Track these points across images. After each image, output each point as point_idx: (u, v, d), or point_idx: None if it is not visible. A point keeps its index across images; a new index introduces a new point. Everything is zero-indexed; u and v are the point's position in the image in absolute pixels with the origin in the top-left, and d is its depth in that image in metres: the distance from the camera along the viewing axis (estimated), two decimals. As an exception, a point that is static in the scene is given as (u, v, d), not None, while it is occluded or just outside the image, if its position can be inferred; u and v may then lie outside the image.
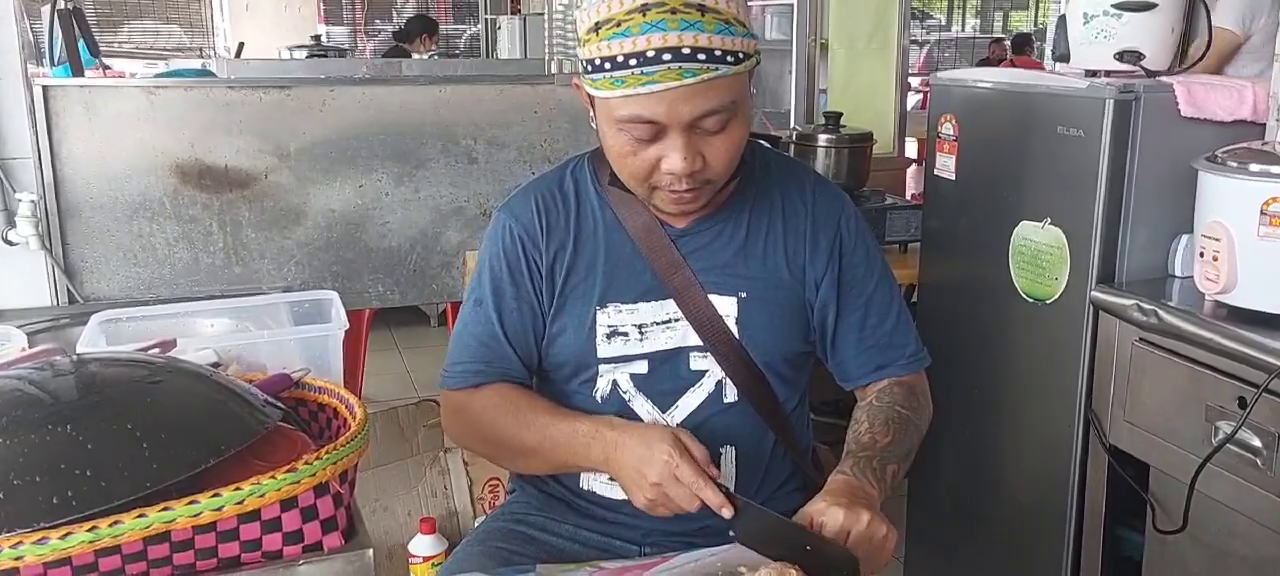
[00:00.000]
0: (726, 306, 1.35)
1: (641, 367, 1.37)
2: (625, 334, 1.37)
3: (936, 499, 2.52)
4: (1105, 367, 1.88)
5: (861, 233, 1.42)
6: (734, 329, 1.35)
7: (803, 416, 1.47)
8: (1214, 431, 1.63)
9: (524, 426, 1.34)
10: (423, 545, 2.38)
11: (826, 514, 1.17)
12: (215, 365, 1.40)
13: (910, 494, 2.67)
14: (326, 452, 1.06)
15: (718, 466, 1.35)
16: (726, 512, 1.19)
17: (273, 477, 1.02)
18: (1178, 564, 1.77)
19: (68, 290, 2.25)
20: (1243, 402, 1.57)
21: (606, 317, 1.37)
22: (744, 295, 1.36)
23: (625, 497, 1.33)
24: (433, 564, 2.37)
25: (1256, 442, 1.55)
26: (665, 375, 1.36)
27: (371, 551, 1.09)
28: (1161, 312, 1.71)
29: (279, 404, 1.19)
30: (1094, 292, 1.88)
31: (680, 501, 1.20)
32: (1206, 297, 1.72)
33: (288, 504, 1.05)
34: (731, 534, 1.20)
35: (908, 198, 3.35)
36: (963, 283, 2.33)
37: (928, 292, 2.49)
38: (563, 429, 1.32)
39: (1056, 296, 1.98)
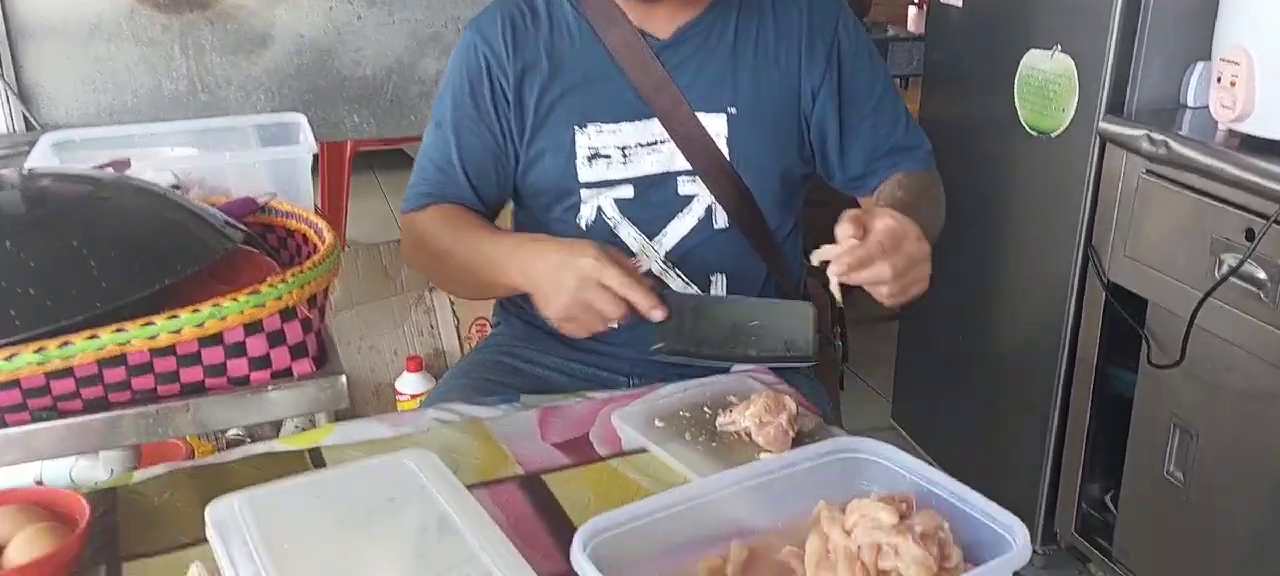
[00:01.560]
0: (715, 125, 1.28)
1: (627, 192, 1.32)
2: (608, 157, 1.30)
3: (927, 337, 2.51)
4: (1108, 202, 1.83)
5: (861, 37, 1.34)
6: (724, 149, 1.29)
7: (795, 247, 1.42)
8: (1218, 264, 1.59)
9: (457, 243, 1.29)
10: (409, 383, 2.37)
11: (873, 214, 1.10)
12: (175, 188, 1.33)
13: (901, 332, 2.66)
14: (292, 275, 1.01)
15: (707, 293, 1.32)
16: (657, 315, 1.14)
17: (234, 300, 0.97)
18: (1169, 399, 1.77)
19: (24, 116, 2.16)
20: (1250, 234, 1.53)
21: (587, 139, 1.30)
22: (733, 111, 1.29)
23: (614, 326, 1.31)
24: (420, 401, 2.36)
25: (1261, 275, 1.52)
26: (652, 200, 1.30)
27: (344, 377, 1.05)
28: (1172, 143, 1.65)
29: (242, 226, 1.13)
30: (1102, 124, 1.81)
31: (602, 307, 1.13)
32: (1219, 127, 1.66)
33: (252, 328, 1.00)
34: (654, 349, 1.15)
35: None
36: (965, 117, 2.26)
37: (928, 128, 2.40)
38: (490, 245, 1.27)
39: (1062, 129, 1.91)
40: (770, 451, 1.04)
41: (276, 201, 1.27)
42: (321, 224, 1.18)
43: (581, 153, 1.31)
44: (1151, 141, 1.69)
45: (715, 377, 1.25)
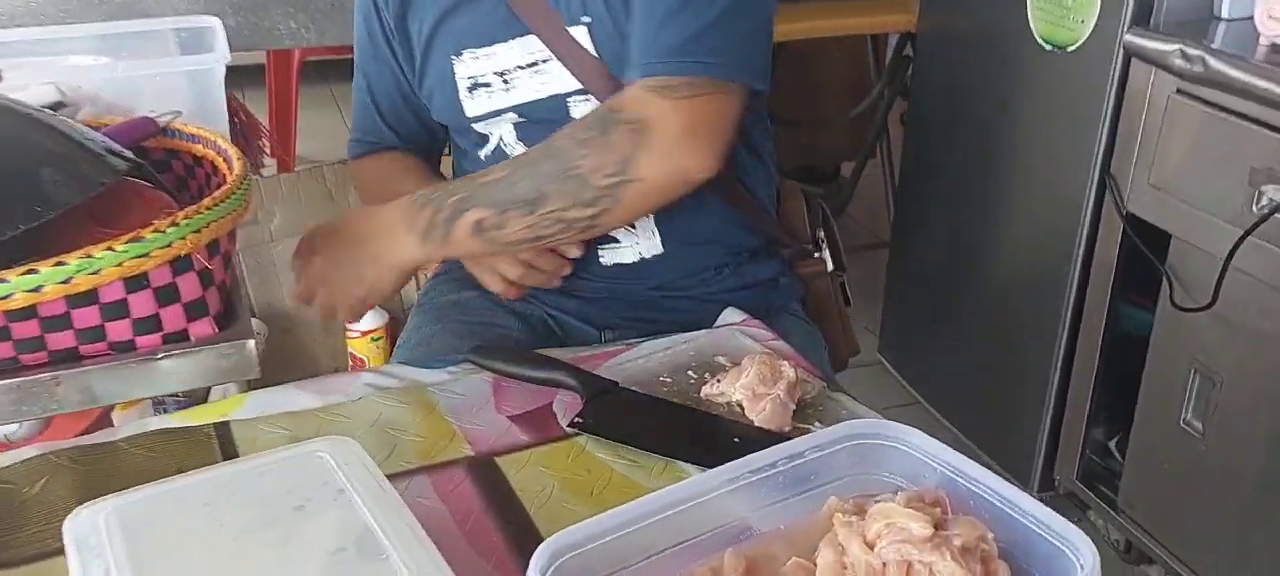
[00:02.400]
0: (582, 38, 1.10)
1: (514, 122, 1.16)
2: (488, 85, 1.15)
3: (920, 266, 2.36)
4: (1131, 125, 1.67)
5: None
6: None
7: (745, 156, 1.21)
8: (1257, 197, 1.44)
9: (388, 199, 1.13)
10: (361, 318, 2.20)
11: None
12: (55, 105, 1.13)
13: (891, 260, 2.51)
14: (185, 217, 0.83)
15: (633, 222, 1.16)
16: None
17: (110, 250, 0.79)
18: (1191, 342, 1.63)
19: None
20: (1296, 164, 1.38)
21: (464, 68, 1.15)
22: (588, 20, 1.09)
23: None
24: (372, 338, 2.19)
25: (1308, 210, 1.37)
26: (545, 129, 1.10)
27: (253, 342, 0.87)
28: (1208, 58, 1.48)
29: (130, 155, 0.94)
30: (1126, 37, 1.64)
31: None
32: (1262, 40, 1.49)
33: (135, 283, 0.82)
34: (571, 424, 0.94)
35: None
36: (969, 30, 2.09)
37: (927, 43, 2.25)
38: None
39: (1080, 42, 1.74)
40: (767, 430, 0.88)
41: (180, 122, 1.08)
42: (231, 150, 0.99)
43: (462, 84, 1.16)
44: (1185, 56, 1.52)
45: (700, 333, 1.09)
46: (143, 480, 0.72)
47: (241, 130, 2.26)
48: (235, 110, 2.25)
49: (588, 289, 1.20)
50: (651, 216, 1.16)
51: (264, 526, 0.66)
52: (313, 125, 3.83)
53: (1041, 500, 2.02)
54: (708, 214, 1.17)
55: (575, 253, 1.13)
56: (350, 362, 2.19)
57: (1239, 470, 1.59)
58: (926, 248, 2.31)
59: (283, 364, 2.20)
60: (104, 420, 1.49)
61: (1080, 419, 1.91)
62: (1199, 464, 1.65)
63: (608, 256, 1.18)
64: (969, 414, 2.21)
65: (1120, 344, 1.83)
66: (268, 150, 2.60)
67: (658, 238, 1.17)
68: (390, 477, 0.84)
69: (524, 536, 0.79)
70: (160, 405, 1.52)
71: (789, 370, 0.91)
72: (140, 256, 0.80)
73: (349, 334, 2.20)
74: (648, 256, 1.17)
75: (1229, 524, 1.62)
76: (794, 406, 0.90)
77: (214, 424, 0.90)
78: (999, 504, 0.71)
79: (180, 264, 0.84)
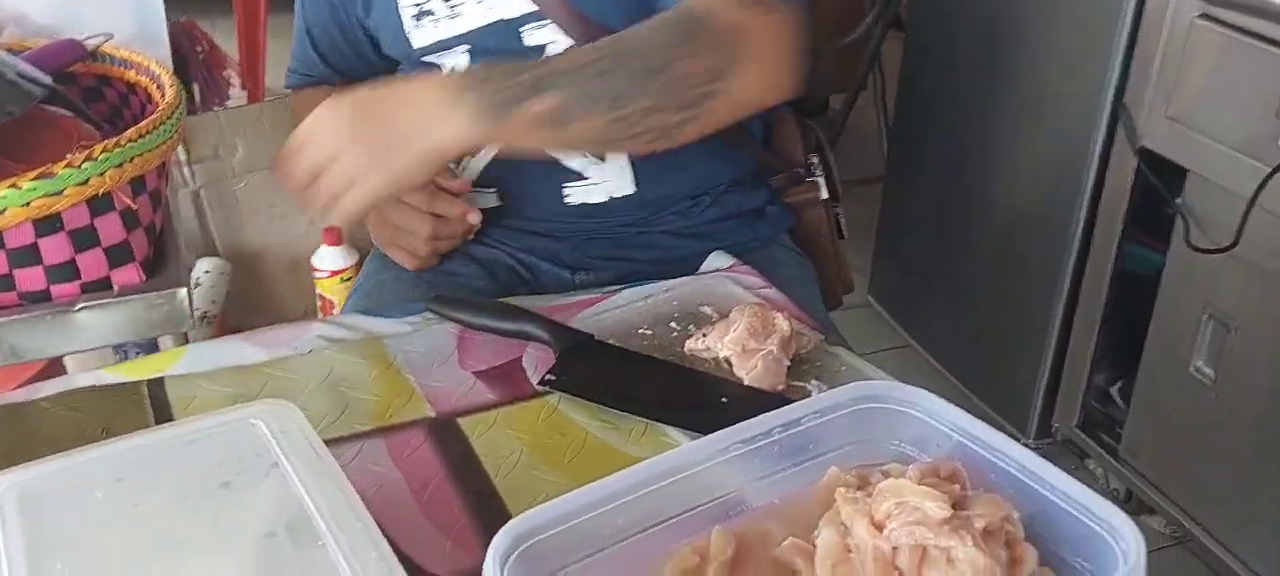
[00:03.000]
0: None
1: (464, 54, 1.06)
2: (432, 12, 1.05)
3: (915, 200, 2.27)
4: (1147, 52, 1.58)
5: None
6: None
7: None
8: (1284, 130, 1.35)
9: None
10: (328, 258, 2.10)
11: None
12: (-31, 24, 1.03)
13: (884, 194, 2.42)
14: (103, 152, 0.73)
15: (600, 157, 1.08)
16: (472, 218, 1.03)
17: (14, 188, 0.70)
18: (1204, 285, 1.55)
19: None
20: (1328, 96, 1.29)
21: None
22: None
23: (498, 205, 1.12)
24: (341, 278, 2.09)
25: (1338, 146, 1.29)
26: (498, 59, 1.01)
27: (185, 291, 0.78)
28: (1235, -20, 1.39)
29: (46, 80, 0.84)
30: (1145, -45, 1.54)
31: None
32: (1293, -39, 1.40)
33: (47, 225, 0.73)
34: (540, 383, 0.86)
35: None
36: (971, -53, 1.98)
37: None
38: None
39: (1093, -39, 1.64)
40: (758, 389, 0.80)
41: (112, 46, 0.98)
42: (164, 75, 0.90)
43: (406, 13, 1.06)
44: (1210, -22, 1.42)
45: (685, 281, 1.00)
46: (61, 446, 0.64)
47: (204, 61, 2.15)
48: (198, 39, 2.13)
49: (555, 230, 1.11)
50: (630, 163, 1.07)
51: (184, 506, 0.58)
52: (283, 55, 3.70)
53: (1038, 450, 1.96)
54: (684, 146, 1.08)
55: (475, 218, 1.06)
56: (319, 305, 2.10)
57: (1250, 420, 1.52)
58: (922, 183, 2.22)
59: (248, 307, 2.11)
60: (55, 370, 1.39)
61: (1082, 364, 1.85)
62: (1207, 413, 1.59)
63: (574, 195, 1.09)
64: (963, 357, 2.15)
65: (1127, 285, 1.76)
66: (235, 82, 2.49)
67: (629, 174, 1.08)
68: (341, 441, 0.77)
69: (486, 507, 0.71)
70: (121, 351, 1.43)
71: (783, 323, 0.83)
72: (51, 195, 0.71)
73: (316, 274, 2.11)
74: (617, 196, 1.09)
75: (1238, 475, 1.56)
76: (788, 363, 0.82)
77: (147, 380, 0.82)
78: (1024, 478, 0.63)
79: (99, 203, 0.74)
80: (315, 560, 0.54)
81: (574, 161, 1.07)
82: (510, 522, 0.56)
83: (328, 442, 0.76)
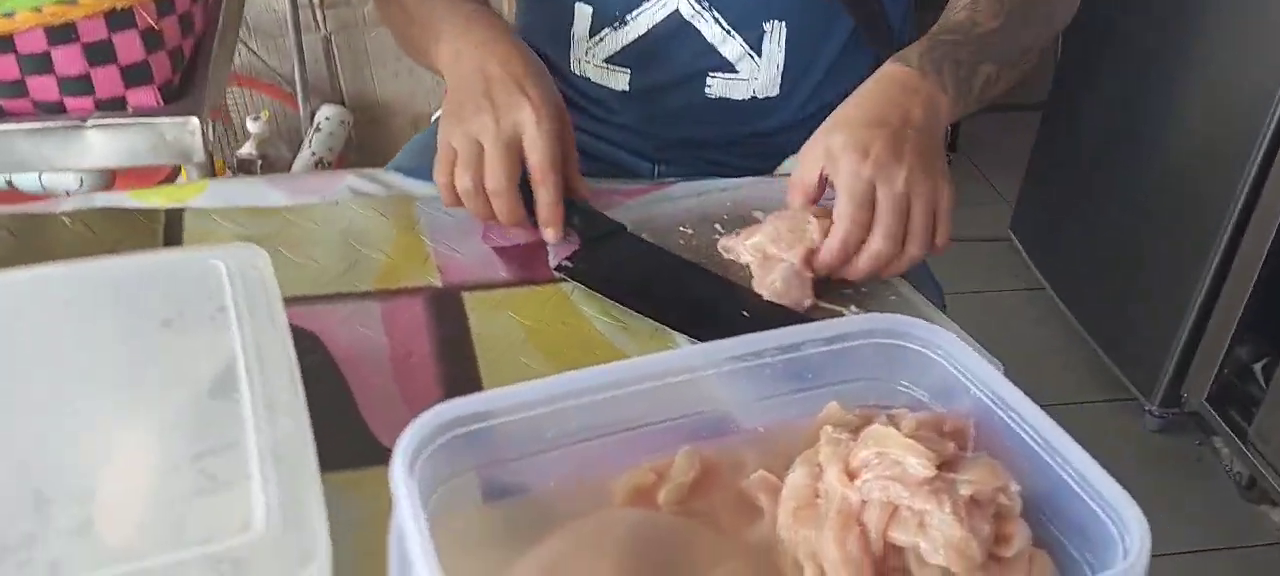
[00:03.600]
0: None
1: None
2: None
3: (1073, 139, 2.10)
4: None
5: None
6: None
7: None
8: None
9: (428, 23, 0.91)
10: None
11: (824, 150, 0.76)
12: None
13: (1042, 127, 2.25)
14: (123, -37, 0.71)
15: (760, 52, 0.97)
16: (549, 234, 0.81)
17: (26, -10, 0.68)
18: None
19: None
20: None
21: None
22: None
23: (626, 90, 1.02)
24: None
25: None
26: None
27: (198, 120, 0.76)
28: None
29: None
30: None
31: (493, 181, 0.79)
32: None
33: (60, 34, 0.72)
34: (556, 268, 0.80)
35: None
36: None
37: None
38: (444, 7, 0.90)
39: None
40: (778, 306, 0.73)
41: None
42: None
43: None
44: None
45: (747, 180, 0.93)
46: (75, 258, 0.63)
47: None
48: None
49: (681, 121, 1.03)
50: (784, 47, 0.98)
51: (117, 340, 0.56)
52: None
53: (1160, 417, 1.82)
54: (844, 50, 0.99)
55: (551, 238, 0.82)
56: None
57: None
58: (1087, 113, 2.05)
59: (365, 159, 2.14)
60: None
61: (1224, 333, 1.69)
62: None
63: (716, 87, 1.00)
64: (1098, 308, 1.99)
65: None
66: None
67: (779, 77, 0.99)
68: (338, 298, 0.75)
69: (462, 387, 0.67)
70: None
71: (814, 231, 0.74)
72: (64, 3, 0.69)
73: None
74: (760, 97, 1.00)
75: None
76: (810, 276, 0.74)
77: (166, 208, 0.81)
78: (1041, 451, 0.55)
79: (118, 18, 0.73)
80: (224, 411, 0.51)
81: (730, 51, 0.98)
82: (429, 411, 0.52)
83: (325, 298, 0.75)
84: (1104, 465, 0.52)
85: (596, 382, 0.57)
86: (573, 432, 0.58)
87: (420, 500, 0.51)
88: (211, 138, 0.77)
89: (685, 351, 0.60)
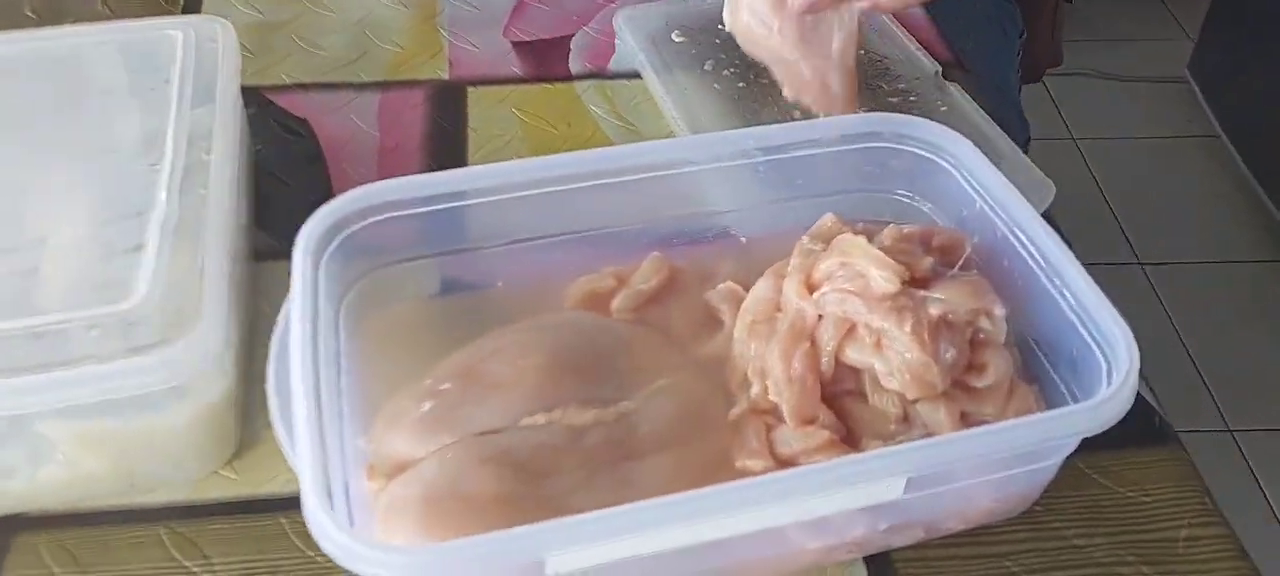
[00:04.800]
0: None
1: None
2: None
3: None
4: None
5: None
6: None
7: None
8: None
9: None
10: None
11: None
12: None
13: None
14: None
15: None
16: None
17: None
18: None
19: None
20: None
21: None
22: None
23: None
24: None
25: None
26: None
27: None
28: None
29: None
30: None
31: None
32: None
33: None
34: None
35: None
36: None
37: None
38: None
39: None
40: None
41: None
42: None
43: None
44: None
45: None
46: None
47: None
48: None
49: None
50: None
51: (56, 108, 0.55)
52: None
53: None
54: None
55: None
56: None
57: None
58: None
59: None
60: None
61: None
62: None
63: None
64: (1270, 159, 1.80)
65: None
66: None
67: None
68: (338, 87, 0.73)
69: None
70: None
71: (851, 18, 0.65)
72: None
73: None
74: None
75: None
76: (849, 82, 0.66)
77: (186, -8, 0.80)
78: (1042, 275, 0.48)
79: None
80: (142, 181, 0.50)
81: None
82: (350, 193, 0.49)
83: (325, 86, 0.73)
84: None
85: (558, 171, 0.53)
86: (534, 227, 0.55)
87: (342, 281, 0.49)
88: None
89: (661, 143, 0.55)
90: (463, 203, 0.52)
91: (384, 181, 0.49)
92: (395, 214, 0.49)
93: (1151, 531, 0.49)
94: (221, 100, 0.55)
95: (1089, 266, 0.46)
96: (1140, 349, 0.42)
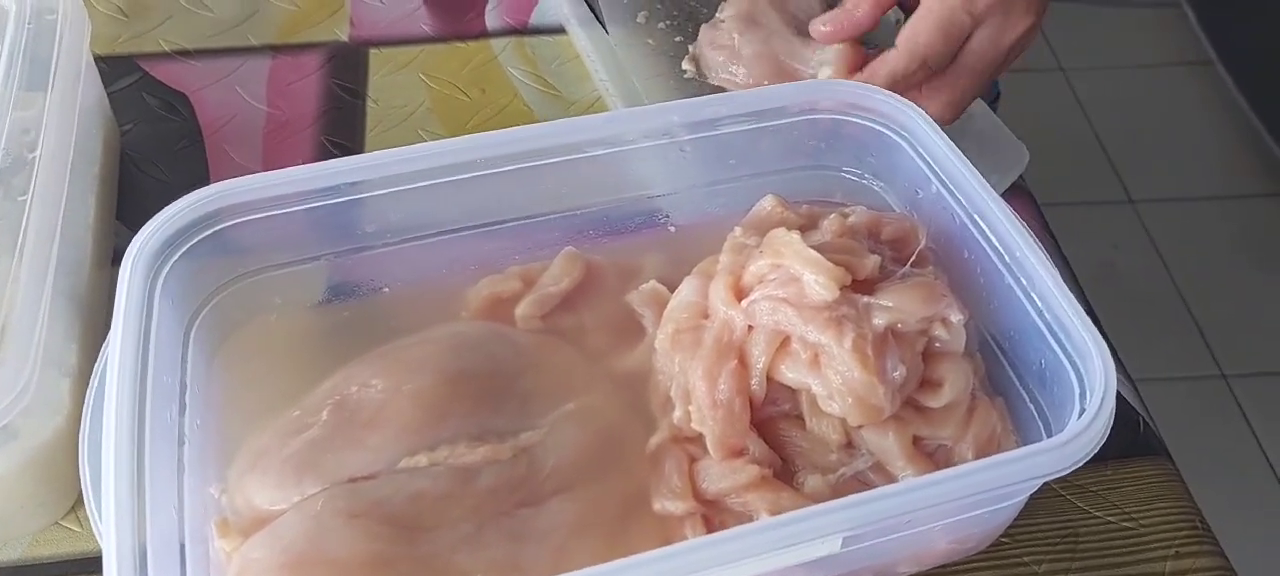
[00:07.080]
0: None
1: None
2: None
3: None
4: None
5: None
6: None
7: None
8: None
9: None
10: None
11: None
12: None
13: None
14: None
15: None
16: None
17: None
18: None
19: None
20: None
21: None
22: None
23: None
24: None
25: None
26: None
27: None
28: None
29: None
30: None
31: None
32: None
33: None
34: None
35: None
36: None
37: None
38: None
39: None
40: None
41: None
42: None
43: None
44: None
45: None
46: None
47: None
48: None
49: None
50: None
51: None
52: None
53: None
54: None
55: None
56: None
57: None
58: None
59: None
60: None
61: None
62: None
63: None
64: (1268, 87, 1.74)
65: None
66: None
67: None
68: (222, 54, 0.67)
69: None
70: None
71: None
72: None
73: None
74: None
75: None
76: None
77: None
78: (1006, 272, 0.43)
79: None
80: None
81: None
82: (197, 193, 0.42)
83: (207, 53, 0.66)
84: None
85: (457, 157, 0.47)
86: (431, 222, 0.49)
87: (193, 295, 0.43)
88: None
89: (577, 121, 0.49)
90: (344, 198, 0.45)
91: (242, 177, 0.43)
92: (260, 214, 0.43)
93: (1134, 561, 0.44)
94: (59, 83, 0.48)
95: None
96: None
